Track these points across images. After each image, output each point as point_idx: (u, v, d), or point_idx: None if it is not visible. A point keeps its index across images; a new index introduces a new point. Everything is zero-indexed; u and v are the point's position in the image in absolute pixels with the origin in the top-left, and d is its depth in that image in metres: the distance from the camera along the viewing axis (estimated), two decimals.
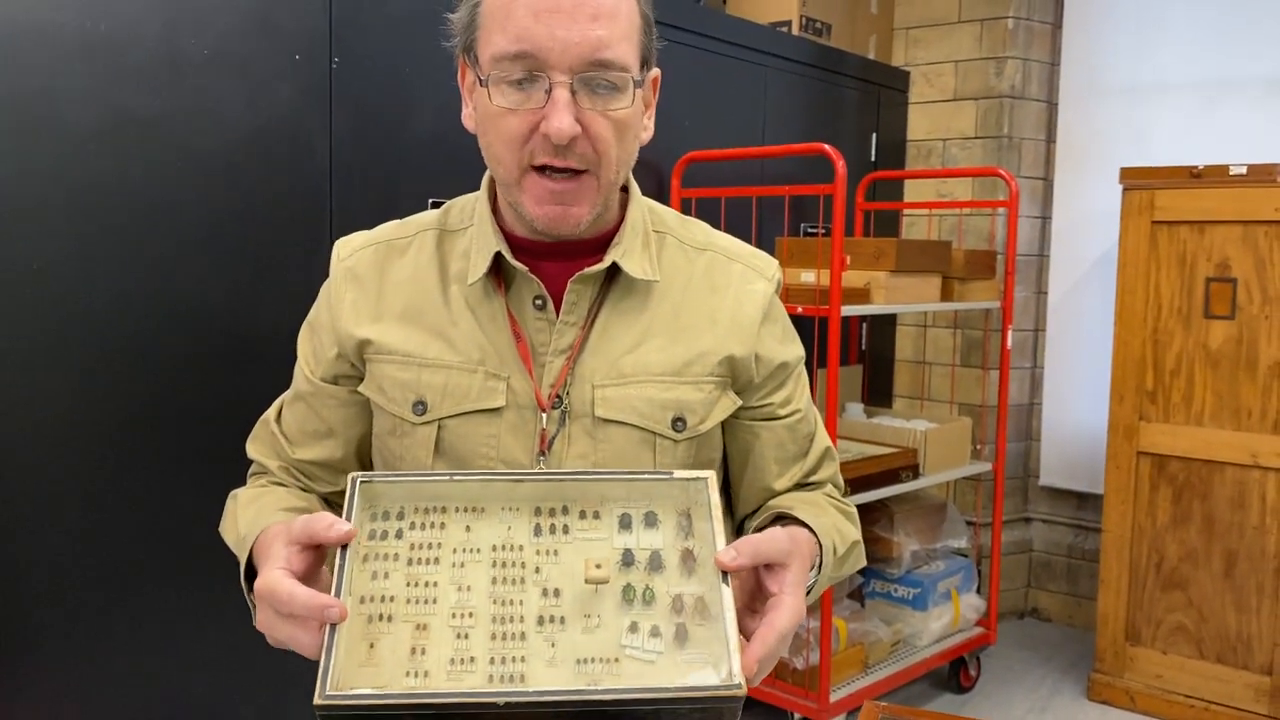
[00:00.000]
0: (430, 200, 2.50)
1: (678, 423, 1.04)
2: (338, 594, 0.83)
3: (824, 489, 1.18)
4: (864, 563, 1.16)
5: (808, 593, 0.95)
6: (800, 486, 1.16)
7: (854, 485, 3.03)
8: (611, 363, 1.05)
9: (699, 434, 1.06)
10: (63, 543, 2.03)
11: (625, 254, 1.06)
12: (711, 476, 0.94)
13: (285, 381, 1.22)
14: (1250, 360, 3.25)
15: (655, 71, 1.08)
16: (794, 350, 1.16)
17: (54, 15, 1.93)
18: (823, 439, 1.19)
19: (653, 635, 0.85)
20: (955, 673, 3.57)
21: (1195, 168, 3.31)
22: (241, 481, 1.19)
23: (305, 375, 1.15)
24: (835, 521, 1.10)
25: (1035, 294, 4.17)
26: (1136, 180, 3.42)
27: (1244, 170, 3.23)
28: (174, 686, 2.19)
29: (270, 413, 1.19)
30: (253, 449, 1.18)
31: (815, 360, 2.94)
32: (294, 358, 1.18)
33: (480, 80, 1.00)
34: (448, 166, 2.53)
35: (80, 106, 1.98)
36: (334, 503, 1.15)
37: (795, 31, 3.71)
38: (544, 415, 1.03)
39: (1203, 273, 3.32)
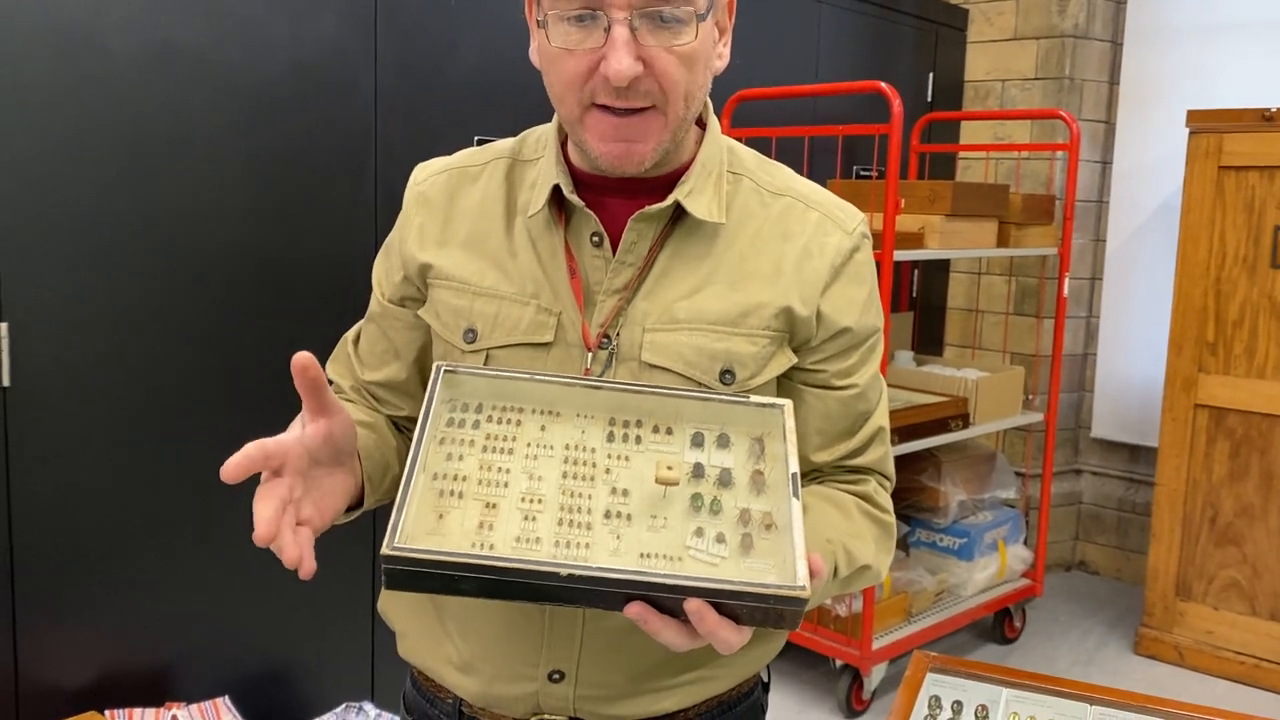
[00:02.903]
0: (475, 137, 2.46)
1: (726, 375, 0.99)
2: (412, 469, 0.85)
3: (867, 482, 1.10)
4: (879, 581, 1.11)
5: None
6: (843, 464, 1.09)
7: (902, 434, 2.98)
8: (665, 307, 1.01)
9: (748, 389, 1.01)
10: (108, 475, 2.04)
11: (691, 193, 1.01)
12: (788, 405, 0.94)
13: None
14: None
15: None
16: (867, 320, 1.06)
17: None
18: (879, 420, 1.10)
19: (718, 541, 0.86)
20: (1000, 624, 3.54)
21: (1267, 110, 3.18)
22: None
23: (377, 297, 1.14)
24: (849, 538, 1.02)
25: (1093, 241, 4.06)
26: (1204, 123, 3.29)
27: None
28: (206, 619, 2.22)
29: (350, 333, 1.19)
30: (331, 369, 1.18)
31: None
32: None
33: (540, 21, 0.96)
34: (494, 102, 2.49)
35: (122, 36, 1.96)
36: (401, 426, 1.14)
37: None
38: (589, 355, 1.00)
39: (1271, 220, 3.20)
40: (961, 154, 4.12)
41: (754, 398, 0.95)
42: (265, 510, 0.81)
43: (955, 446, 3.43)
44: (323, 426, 0.88)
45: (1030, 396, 3.66)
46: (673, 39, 0.93)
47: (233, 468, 0.80)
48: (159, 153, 2.03)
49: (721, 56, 1.03)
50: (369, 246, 2.22)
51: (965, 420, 3.20)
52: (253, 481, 0.82)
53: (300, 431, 0.88)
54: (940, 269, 4.16)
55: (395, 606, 1.16)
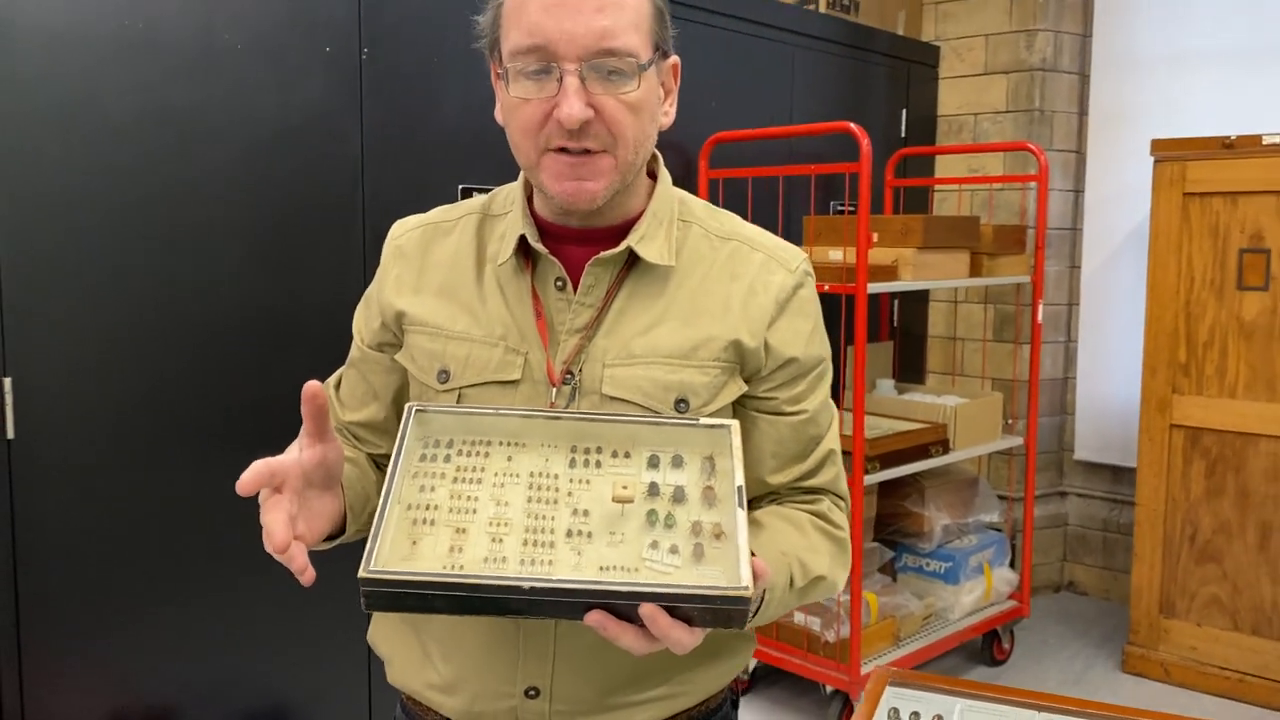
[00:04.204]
0: (460, 187, 2.55)
1: (680, 404, 1.08)
2: (386, 501, 0.93)
3: (820, 501, 1.19)
4: (835, 593, 1.18)
5: (751, 616, 1.00)
6: (797, 486, 1.18)
7: (883, 461, 3.06)
8: (623, 344, 1.09)
9: (702, 415, 1.10)
10: (111, 523, 2.12)
11: (643, 239, 1.11)
12: (735, 425, 1.02)
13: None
14: None
15: (674, 59, 1.12)
16: (812, 350, 1.15)
17: (95, 14, 2.00)
18: (829, 443, 1.19)
19: (672, 552, 0.93)
20: (989, 646, 3.60)
21: (1227, 138, 3.29)
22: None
23: (357, 343, 1.24)
24: (804, 551, 1.10)
25: (1069, 268, 4.15)
26: (1168, 152, 3.40)
27: (1278, 139, 3.20)
28: (209, 658, 2.28)
29: (331, 379, 1.28)
30: None
31: (843, 338, 2.97)
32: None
33: (499, 74, 1.06)
34: (475, 153, 2.58)
35: (120, 100, 2.05)
36: (380, 464, 1.23)
37: (822, 9, 3.71)
38: (554, 390, 1.08)
39: (1235, 244, 3.30)
40: (937, 187, 4.22)
41: (703, 420, 1.03)
42: (278, 523, 0.91)
43: (938, 472, 3.50)
44: (319, 451, 0.97)
45: (1010, 421, 3.74)
46: (617, 88, 1.03)
47: (247, 484, 0.90)
48: (158, 210, 2.12)
49: (667, 114, 1.13)
50: (359, 294, 2.30)
51: (945, 446, 3.27)
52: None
53: (298, 454, 0.97)
54: (920, 299, 4.25)
55: (382, 635, 1.24)
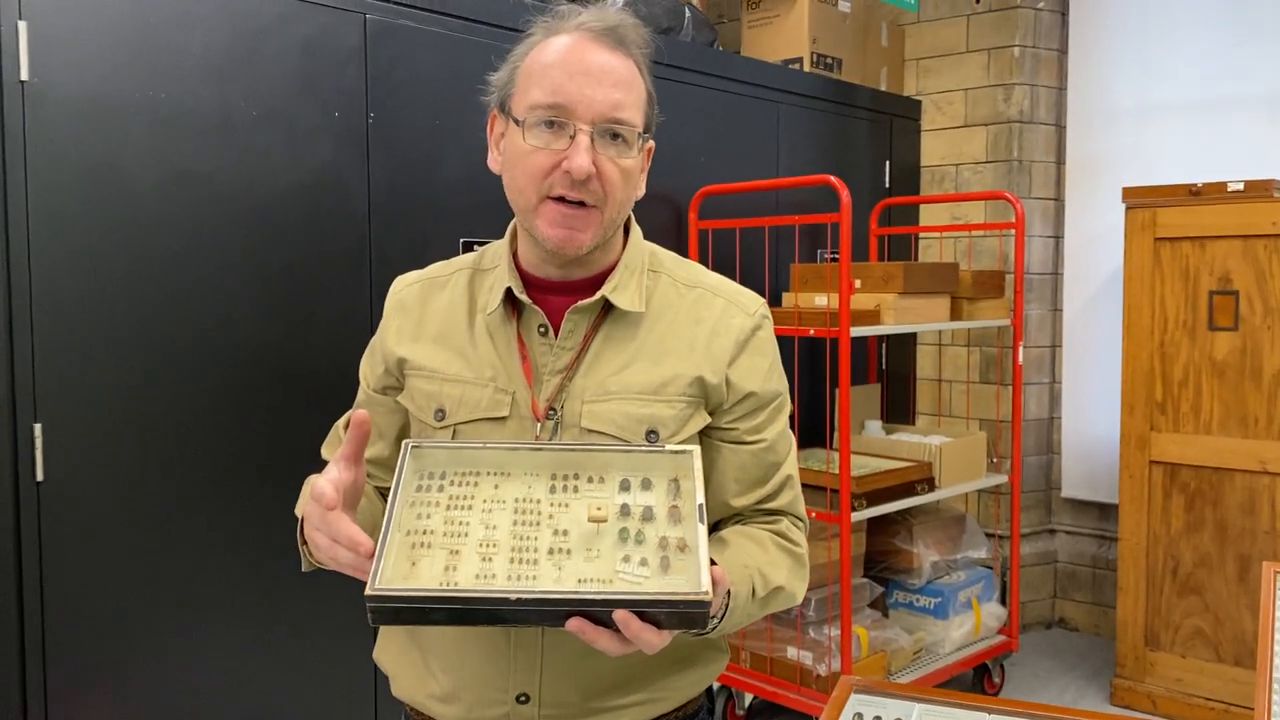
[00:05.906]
0: (461, 240, 2.70)
1: (651, 434, 1.21)
2: (387, 528, 1.04)
3: (780, 522, 1.31)
4: (795, 603, 1.30)
5: (715, 627, 1.13)
6: (759, 508, 1.30)
7: (870, 499, 3.17)
8: (599, 382, 1.23)
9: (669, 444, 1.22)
10: (135, 562, 2.24)
11: (616, 289, 1.25)
12: (696, 449, 1.14)
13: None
14: (1255, 370, 3.35)
15: (650, 143, 1.27)
16: (769, 385, 1.29)
17: (121, 85, 2.17)
18: (788, 469, 1.32)
19: (641, 565, 1.05)
20: (979, 680, 3.68)
21: (1194, 185, 3.44)
22: (291, 494, 1.39)
23: (363, 388, 1.37)
24: (764, 565, 1.22)
25: (1051, 311, 4.29)
26: (1138, 199, 3.55)
27: (1241, 186, 3.35)
28: (228, 685, 2.39)
29: (340, 421, 1.41)
30: (325, 451, 1.40)
31: (829, 379, 3.10)
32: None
33: (516, 121, 1.20)
34: (475, 209, 2.74)
35: (143, 164, 2.21)
36: (386, 495, 1.34)
37: (807, 68, 3.89)
38: (539, 424, 1.21)
39: (1205, 286, 3.44)
40: (921, 234, 4.37)
41: (668, 446, 1.15)
42: (359, 532, 1.03)
43: (926, 510, 3.61)
44: (352, 474, 1.09)
45: (995, 459, 3.85)
46: (619, 153, 1.18)
47: (333, 498, 1.03)
48: (179, 266, 2.26)
49: (640, 188, 1.28)
50: (367, 341, 2.44)
51: (930, 484, 3.38)
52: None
53: (337, 475, 1.08)
54: (907, 343, 4.38)
55: (387, 653, 1.36)
